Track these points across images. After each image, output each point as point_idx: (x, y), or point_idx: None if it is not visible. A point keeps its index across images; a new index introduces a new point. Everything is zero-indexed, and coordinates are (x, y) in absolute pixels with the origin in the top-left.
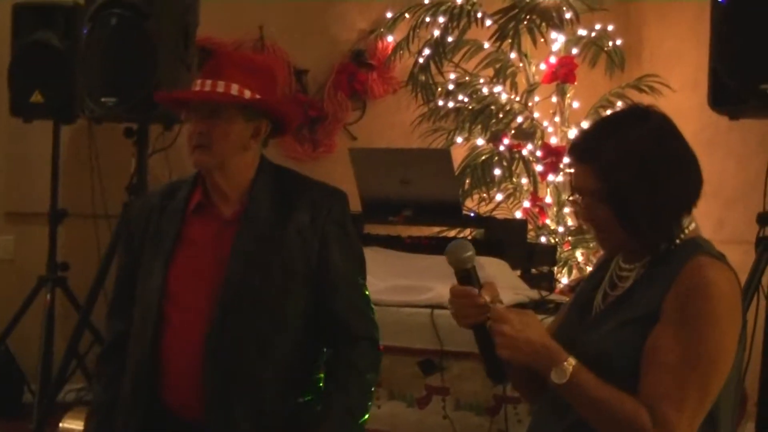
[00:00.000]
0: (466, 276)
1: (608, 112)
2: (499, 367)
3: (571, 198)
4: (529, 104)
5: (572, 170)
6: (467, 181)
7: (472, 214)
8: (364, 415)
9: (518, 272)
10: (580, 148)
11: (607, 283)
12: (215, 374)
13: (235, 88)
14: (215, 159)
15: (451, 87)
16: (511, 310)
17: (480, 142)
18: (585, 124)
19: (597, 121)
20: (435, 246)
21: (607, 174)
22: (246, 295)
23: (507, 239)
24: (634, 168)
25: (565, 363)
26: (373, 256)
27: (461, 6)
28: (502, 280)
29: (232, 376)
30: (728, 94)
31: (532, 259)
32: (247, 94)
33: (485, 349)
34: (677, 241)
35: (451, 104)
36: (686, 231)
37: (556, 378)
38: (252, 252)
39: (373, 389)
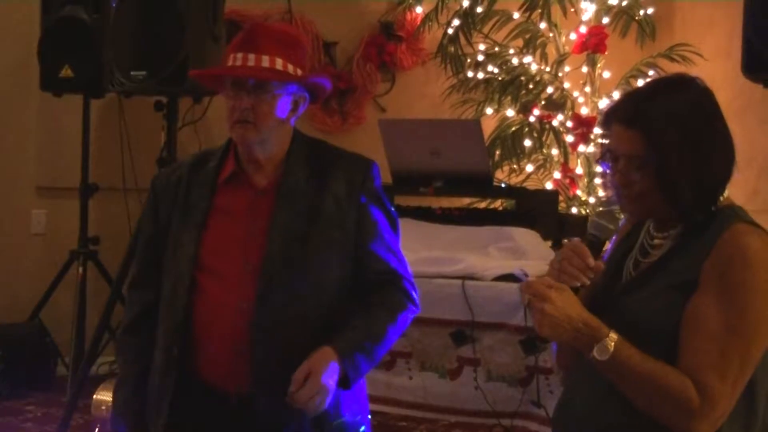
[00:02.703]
0: (596, 244)
1: (639, 82)
2: None
3: (603, 163)
4: (560, 75)
5: (610, 133)
6: (497, 152)
7: (503, 185)
8: (380, 344)
9: (549, 243)
10: (624, 111)
11: (638, 251)
12: (260, 346)
13: (279, 63)
14: (259, 134)
15: (480, 58)
16: (551, 285)
17: (510, 113)
18: (616, 94)
19: (642, 86)
20: (466, 217)
21: (653, 139)
22: (288, 267)
23: (538, 210)
24: (681, 134)
25: (607, 339)
26: (403, 227)
27: None
28: (534, 250)
29: (277, 347)
30: (762, 62)
31: (564, 229)
32: (290, 68)
33: None
34: (713, 209)
35: (480, 75)
36: (721, 199)
37: (599, 354)
38: (291, 224)
39: (395, 327)
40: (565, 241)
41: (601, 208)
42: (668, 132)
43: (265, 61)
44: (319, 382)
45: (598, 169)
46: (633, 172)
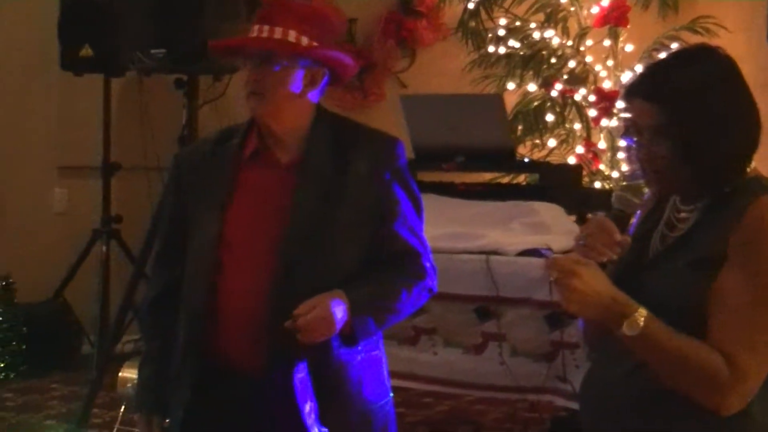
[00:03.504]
0: (621, 219)
1: (662, 55)
2: None
3: (627, 138)
4: (581, 49)
5: (632, 107)
6: (519, 127)
7: (525, 160)
8: (392, 306)
9: (573, 217)
10: (646, 84)
11: (664, 225)
12: (278, 325)
13: (292, 35)
14: (269, 106)
15: (501, 33)
16: (578, 260)
17: (532, 88)
18: (639, 68)
19: (663, 58)
20: (488, 192)
21: (676, 109)
22: (308, 247)
23: (561, 184)
24: (703, 105)
25: (636, 314)
26: (426, 203)
27: None
28: (558, 225)
29: (296, 347)
30: None
31: (587, 204)
32: (304, 41)
33: None
34: (739, 181)
35: (501, 50)
36: (747, 171)
37: (629, 330)
38: (312, 204)
39: (410, 295)
40: (590, 215)
41: (624, 183)
42: (690, 104)
43: (278, 33)
44: (327, 310)
45: (622, 143)
46: (657, 144)
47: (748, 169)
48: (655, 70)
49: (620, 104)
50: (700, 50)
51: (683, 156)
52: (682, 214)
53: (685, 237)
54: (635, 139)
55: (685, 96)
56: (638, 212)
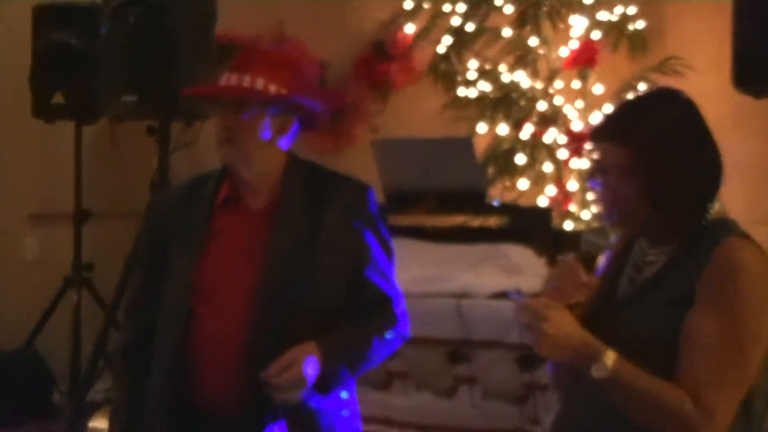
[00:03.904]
0: (589, 261)
1: (631, 95)
2: None
3: (593, 181)
4: (551, 90)
5: (599, 149)
6: (491, 169)
7: (496, 202)
8: (364, 354)
9: (544, 259)
10: (611, 127)
11: (632, 267)
12: (255, 371)
13: (260, 83)
14: (240, 154)
15: (472, 75)
16: (548, 305)
17: (503, 129)
18: (608, 109)
19: (626, 102)
20: (459, 235)
21: (641, 151)
22: (282, 293)
23: (532, 227)
24: (668, 148)
25: (605, 357)
26: (397, 246)
27: None
28: (529, 267)
29: (271, 405)
30: (752, 73)
31: (558, 245)
32: (272, 89)
33: None
34: (704, 222)
35: (472, 93)
36: (711, 212)
37: (598, 373)
38: (287, 250)
39: (382, 342)
40: (560, 257)
41: (594, 225)
42: (655, 145)
43: (246, 81)
44: (300, 371)
45: (572, 186)
46: (623, 185)
47: (714, 211)
48: (621, 113)
49: (590, 142)
50: (664, 93)
51: (648, 197)
52: (650, 257)
53: (653, 279)
54: (602, 180)
55: (650, 138)
56: (606, 254)
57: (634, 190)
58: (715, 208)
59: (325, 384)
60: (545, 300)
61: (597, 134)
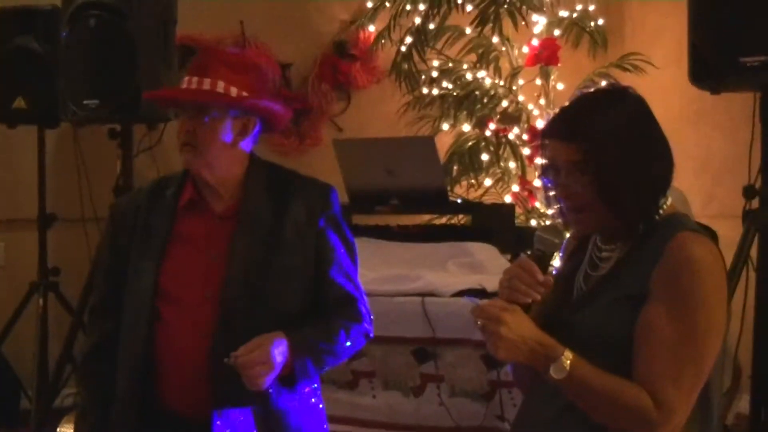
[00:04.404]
0: (543, 259)
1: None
2: None
3: (545, 179)
4: (514, 88)
5: (549, 147)
6: (455, 167)
7: (459, 201)
8: (332, 348)
9: (508, 256)
10: (560, 125)
11: (587, 264)
12: (221, 373)
13: (221, 86)
14: (202, 157)
15: (434, 74)
16: (504, 307)
17: (466, 128)
18: None
19: (575, 99)
20: (424, 234)
21: (591, 146)
22: (247, 294)
23: (495, 224)
24: (618, 144)
25: (563, 357)
26: (362, 246)
27: None
28: (492, 264)
29: (238, 374)
30: (708, 69)
31: (522, 242)
32: (233, 91)
33: None
34: (656, 218)
35: (435, 91)
36: (663, 208)
37: (556, 373)
38: (251, 251)
39: (349, 336)
40: (522, 254)
41: (547, 223)
42: (606, 142)
43: (207, 84)
44: (267, 354)
45: (537, 183)
46: (573, 181)
47: (666, 206)
48: (569, 110)
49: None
50: (612, 90)
51: (599, 192)
52: (604, 254)
53: (608, 276)
54: (553, 178)
55: (601, 134)
56: (561, 252)
57: (585, 187)
58: (668, 202)
59: (291, 376)
60: (500, 302)
61: (547, 132)
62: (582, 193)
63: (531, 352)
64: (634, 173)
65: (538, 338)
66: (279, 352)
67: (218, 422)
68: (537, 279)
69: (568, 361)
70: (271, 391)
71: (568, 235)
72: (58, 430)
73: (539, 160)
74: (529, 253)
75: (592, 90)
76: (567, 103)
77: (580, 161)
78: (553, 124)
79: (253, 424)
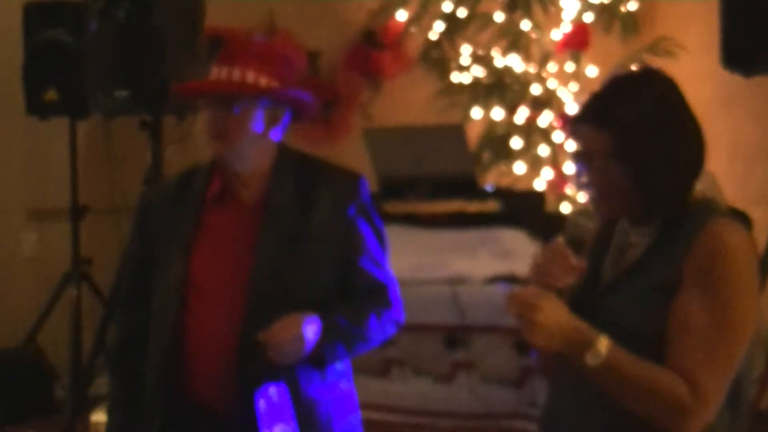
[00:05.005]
0: (577, 244)
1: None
2: None
3: (578, 164)
4: (544, 74)
5: (581, 134)
6: (486, 154)
7: (488, 187)
8: (362, 332)
9: (538, 243)
10: (591, 111)
11: (615, 250)
12: (249, 364)
13: (251, 76)
14: (232, 148)
15: (465, 61)
16: (539, 294)
17: (497, 114)
18: None
19: (606, 84)
20: (453, 221)
21: (625, 133)
22: (275, 285)
23: (525, 211)
24: (651, 127)
25: (598, 343)
26: (391, 234)
27: None
28: (522, 251)
29: (266, 365)
30: (740, 52)
31: (552, 229)
32: (263, 81)
33: None
34: (689, 202)
35: (465, 78)
36: (696, 192)
37: (592, 360)
38: (278, 243)
39: (379, 322)
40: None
41: (581, 207)
42: (639, 127)
43: (236, 75)
44: (299, 330)
45: (568, 169)
46: (609, 169)
47: (698, 190)
48: (600, 98)
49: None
50: (643, 74)
51: (635, 179)
52: (633, 239)
53: (638, 262)
54: (586, 165)
55: (633, 119)
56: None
57: (620, 173)
58: (699, 187)
59: (321, 357)
60: (534, 289)
61: (579, 118)
62: (617, 180)
63: (567, 338)
64: (668, 157)
65: (574, 324)
66: (311, 330)
67: (261, 402)
68: (570, 264)
69: (604, 348)
70: (301, 381)
71: (593, 225)
72: (91, 418)
73: (571, 146)
74: (561, 238)
75: (622, 74)
76: (597, 89)
77: (613, 148)
78: (585, 111)
79: (290, 405)
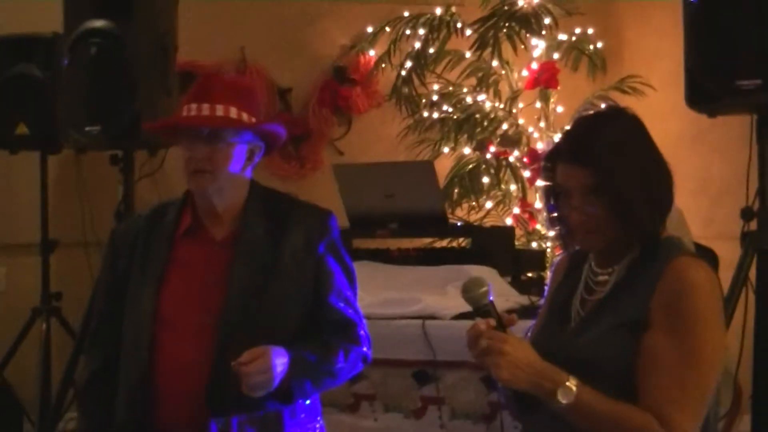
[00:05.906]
0: (485, 313)
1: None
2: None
3: (549, 205)
4: (513, 111)
5: (558, 172)
6: (456, 190)
7: (458, 224)
8: (329, 367)
9: (507, 279)
10: (569, 149)
11: (582, 289)
12: (220, 400)
13: (233, 112)
14: (217, 183)
15: (434, 98)
16: (503, 339)
17: (466, 151)
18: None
19: (578, 122)
20: (423, 257)
21: (602, 169)
22: (245, 321)
23: (494, 247)
24: (626, 159)
25: (568, 383)
26: (361, 270)
27: (440, 17)
28: (492, 287)
29: (237, 400)
30: (704, 92)
31: (521, 265)
32: (245, 117)
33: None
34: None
35: (435, 115)
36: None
37: (564, 398)
38: (249, 279)
39: (347, 359)
40: (523, 276)
41: (467, 281)
42: (615, 159)
43: (219, 110)
44: (269, 363)
45: (537, 205)
46: (589, 204)
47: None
48: (575, 134)
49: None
50: (611, 111)
51: (616, 211)
52: (600, 277)
53: (605, 300)
54: (562, 202)
55: (609, 154)
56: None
57: (602, 207)
58: (667, 223)
59: (289, 392)
60: (497, 333)
61: (555, 155)
62: (599, 214)
63: (536, 375)
64: (645, 185)
65: (542, 363)
66: (280, 362)
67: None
68: (493, 326)
69: (574, 387)
70: (267, 402)
71: (556, 258)
72: None
73: (540, 183)
74: (477, 319)
75: (592, 112)
76: (570, 127)
77: (593, 184)
78: (562, 148)
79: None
